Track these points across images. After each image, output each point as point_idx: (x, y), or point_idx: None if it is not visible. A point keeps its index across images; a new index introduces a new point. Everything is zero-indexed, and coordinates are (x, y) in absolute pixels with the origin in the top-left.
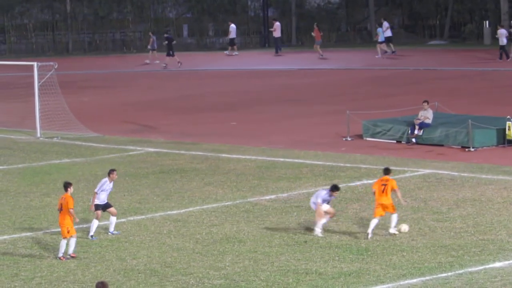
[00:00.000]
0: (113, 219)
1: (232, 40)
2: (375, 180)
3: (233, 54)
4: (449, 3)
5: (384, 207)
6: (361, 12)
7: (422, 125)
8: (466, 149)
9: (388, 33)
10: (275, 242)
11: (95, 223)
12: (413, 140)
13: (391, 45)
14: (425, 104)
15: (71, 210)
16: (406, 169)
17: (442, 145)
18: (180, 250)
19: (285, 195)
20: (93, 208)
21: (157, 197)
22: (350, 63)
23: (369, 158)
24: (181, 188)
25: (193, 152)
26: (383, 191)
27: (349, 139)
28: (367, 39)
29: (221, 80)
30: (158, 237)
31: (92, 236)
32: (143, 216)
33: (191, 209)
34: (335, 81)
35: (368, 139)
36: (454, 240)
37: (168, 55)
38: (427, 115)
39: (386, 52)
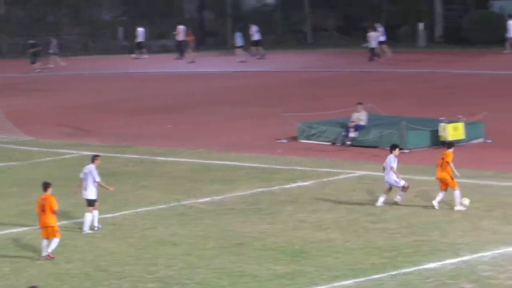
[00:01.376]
0: (94, 214)
1: (139, 43)
2: (309, 182)
3: (142, 57)
4: (383, 5)
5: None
6: (297, 14)
7: (357, 127)
8: (400, 151)
9: (256, 37)
10: (209, 244)
11: (89, 217)
12: (348, 142)
13: (260, 48)
14: (360, 106)
15: (56, 210)
16: (340, 171)
17: (376, 147)
18: (114, 254)
19: (219, 197)
20: (76, 191)
21: None
22: (286, 65)
23: (304, 160)
24: (115, 192)
25: (128, 155)
26: (441, 165)
27: (284, 141)
28: (303, 41)
29: (159, 83)
30: (92, 241)
31: (98, 227)
32: (77, 220)
33: (125, 212)
34: (271, 83)
35: (303, 141)
36: (388, 241)
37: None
38: (361, 117)
39: (251, 55)
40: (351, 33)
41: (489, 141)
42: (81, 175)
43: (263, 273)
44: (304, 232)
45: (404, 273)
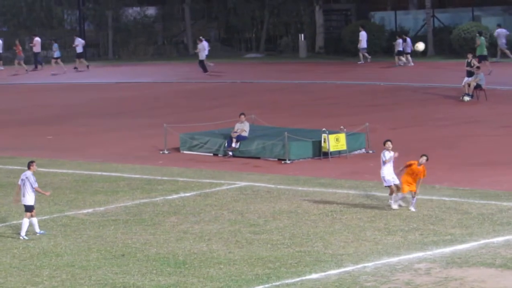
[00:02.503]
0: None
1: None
2: (192, 193)
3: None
4: (265, 16)
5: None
6: (178, 25)
7: (239, 138)
8: (283, 162)
9: (79, 49)
10: (92, 256)
11: (27, 222)
12: (230, 153)
13: (83, 60)
14: (242, 116)
15: None
16: (223, 181)
17: (259, 158)
18: None
19: (102, 208)
20: (17, 199)
21: None
22: (168, 77)
23: (186, 171)
24: None
25: (10, 167)
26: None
27: (166, 152)
28: (184, 53)
29: (42, 94)
30: None
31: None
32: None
33: (7, 223)
34: (153, 94)
35: (185, 152)
36: (271, 252)
37: None
38: (244, 127)
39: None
40: (232, 44)
41: (371, 151)
42: (19, 182)
43: (146, 284)
44: (187, 243)
45: (287, 284)
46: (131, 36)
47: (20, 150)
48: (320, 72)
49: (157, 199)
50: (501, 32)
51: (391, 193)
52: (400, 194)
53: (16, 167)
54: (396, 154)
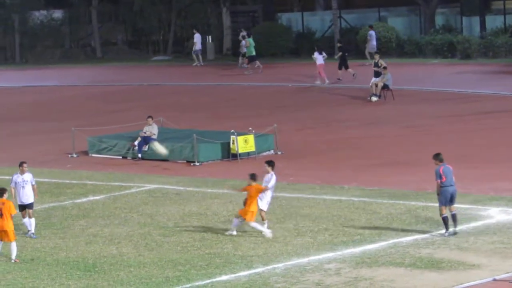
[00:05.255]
0: (32, 220)
1: None
2: (101, 196)
3: None
4: (172, 18)
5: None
6: (85, 28)
7: (148, 140)
8: (192, 164)
9: None
10: (1, 260)
11: (27, 222)
12: (139, 155)
13: None
14: (150, 119)
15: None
16: (132, 184)
17: (167, 160)
18: None
19: None
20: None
21: None
22: (75, 80)
23: (95, 175)
24: None
25: None
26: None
27: (74, 155)
28: (91, 56)
29: None
30: None
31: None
32: None
33: None
34: (61, 98)
35: (94, 155)
36: (181, 254)
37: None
38: (152, 130)
39: None
40: (140, 46)
41: (280, 152)
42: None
43: None
44: (97, 246)
45: (197, 286)
46: (38, 40)
47: None
48: (227, 74)
49: (66, 202)
50: (372, 34)
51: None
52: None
53: None
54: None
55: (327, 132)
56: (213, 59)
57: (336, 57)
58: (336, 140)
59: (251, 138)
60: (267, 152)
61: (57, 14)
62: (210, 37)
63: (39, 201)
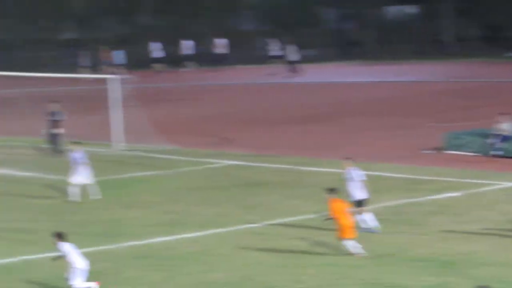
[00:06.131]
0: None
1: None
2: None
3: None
4: None
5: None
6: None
7: (504, 138)
8: None
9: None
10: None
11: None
12: (494, 152)
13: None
14: (503, 116)
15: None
16: (488, 182)
17: None
18: (261, 264)
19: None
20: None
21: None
22: (427, 76)
23: (449, 171)
24: (263, 201)
25: (273, 165)
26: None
27: (427, 152)
28: (443, 51)
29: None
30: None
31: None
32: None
33: (272, 222)
34: (412, 93)
35: (448, 152)
36: None
37: None
38: (505, 127)
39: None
40: (493, 42)
41: None
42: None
43: (414, 284)
44: (452, 243)
45: None
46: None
47: (279, 149)
48: None
49: (421, 199)
50: None
51: None
52: None
53: (278, 166)
54: None
55: None
56: None
57: None
58: None
59: None
60: None
61: (411, 9)
62: None
63: (393, 197)
